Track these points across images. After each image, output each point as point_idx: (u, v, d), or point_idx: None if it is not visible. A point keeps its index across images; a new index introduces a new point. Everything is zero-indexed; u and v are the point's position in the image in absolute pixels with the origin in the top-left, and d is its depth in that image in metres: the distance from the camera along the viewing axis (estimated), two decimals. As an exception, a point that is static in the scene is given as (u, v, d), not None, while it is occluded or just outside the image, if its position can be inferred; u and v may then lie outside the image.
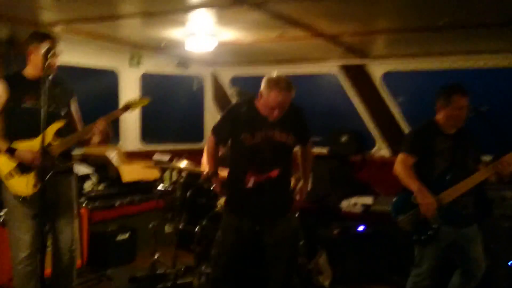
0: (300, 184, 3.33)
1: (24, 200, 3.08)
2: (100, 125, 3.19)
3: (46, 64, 2.83)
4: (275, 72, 3.02)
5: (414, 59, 5.22)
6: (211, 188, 3.45)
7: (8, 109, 3.13)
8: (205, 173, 3.34)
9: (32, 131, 3.02)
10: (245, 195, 3.06)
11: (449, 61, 5.03)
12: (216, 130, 3.26)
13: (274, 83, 2.92)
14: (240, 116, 3.05)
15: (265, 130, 2.99)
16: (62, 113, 3.28)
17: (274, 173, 3.02)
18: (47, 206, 3.17)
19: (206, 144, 3.37)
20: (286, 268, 3.24)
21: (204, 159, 3.43)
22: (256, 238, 3.13)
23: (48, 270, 3.31)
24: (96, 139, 3.24)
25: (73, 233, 3.36)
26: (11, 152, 3.08)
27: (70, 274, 3.38)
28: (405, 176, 3.22)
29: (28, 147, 3.08)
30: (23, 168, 3.10)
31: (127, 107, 3.32)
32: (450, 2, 3.17)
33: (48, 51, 2.88)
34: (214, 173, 3.27)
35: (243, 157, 3.07)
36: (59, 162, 3.17)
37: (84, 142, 3.41)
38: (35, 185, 3.05)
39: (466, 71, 5.01)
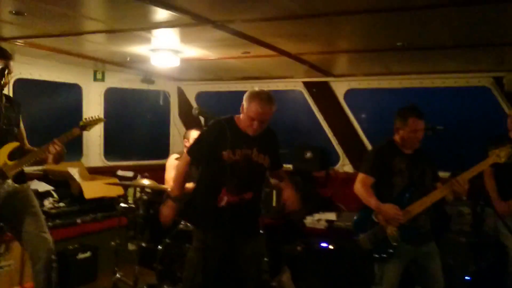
0: (286, 192, 3.36)
1: None
2: (56, 145, 3.17)
3: (2, 82, 2.81)
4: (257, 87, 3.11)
5: (376, 77, 5.37)
6: (160, 207, 3.35)
7: None
8: (169, 192, 3.32)
9: None
10: (217, 214, 3.02)
11: (408, 80, 5.19)
12: (193, 151, 3.18)
13: (256, 94, 2.97)
14: (220, 133, 3.02)
15: (244, 149, 3.00)
16: (16, 131, 3.25)
17: (248, 195, 3.03)
18: (11, 226, 3.25)
19: (178, 163, 3.32)
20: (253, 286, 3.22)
21: (169, 176, 3.39)
22: (228, 256, 3.12)
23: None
24: (50, 159, 3.24)
25: (49, 242, 3.26)
26: None
27: (52, 283, 3.27)
28: (364, 195, 3.32)
29: None
30: None
31: (83, 127, 3.34)
32: (405, 26, 3.28)
33: (2, 70, 2.93)
34: (178, 197, 3.22)
35: (219, 176, 3.01)
36: (13, 184, 3.12)
37: (39, 161, 3.37)
38: None
39: (424, 90, 5.18)
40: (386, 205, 3.24)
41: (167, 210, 3.27)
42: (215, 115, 3.36)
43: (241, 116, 3.04)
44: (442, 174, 3.61)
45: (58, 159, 3.24)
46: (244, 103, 3.01)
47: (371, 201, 3.29)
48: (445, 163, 4.04)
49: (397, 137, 3.42)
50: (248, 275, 3.18)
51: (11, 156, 3.14)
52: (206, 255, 3.04)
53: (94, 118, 3.44)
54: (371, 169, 3.37)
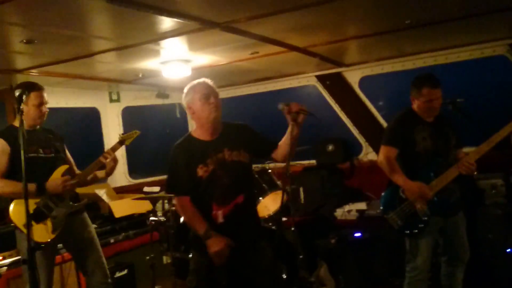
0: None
1: (46, 245, 3.12)
2: (108, 155, 3.36)
3: (41, 113, 3.20)
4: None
5: (388, 61, 5.31)
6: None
7: (13, 163, 3.19)
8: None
9: (39, 179, 3.16)
10: (216, 232, 2.73)
11: (421, 59, 5.12)
12: (175, 184, 2.85)
13: (194, 83, 2.87)
14: (186, 154, 2.80)
15: (214, 154, 2.78)
16: (64, 157, 3.44)
17: (240, 199, 2.79)
18: (71, 249, 3.45)
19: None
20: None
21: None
22: (231, 273, 2.86)
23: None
24: (103, 174, 3.44)
25: (105, 267, 3.43)
26: (42, 188, 3.15)
27: None
28: (390, 170, 3.26)
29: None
30: (38, 216, 3.14)
31: (122, 142, 3.47)
32: (411, 1, 3.24)
33: (39, 101, 3.18)
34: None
35: (203, 194, 2.77)
36: (71, 203, 3.30)
37: (86, 183, 3.52)
38: (53, 231, 3.16)
39: (439, 67, 5.09)
40: (412, 183, 3.19)
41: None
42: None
43: (195, 119, 2.86)
44: (467, 149, 3.53)
45: (111, 170, 3.41)
46: (190, 99, 2.83)
47: (398, 178, 3.23)
48: (467, 137, 3.95)
49: (415, 106, 3.36)
50: (264, 282, 2.89)
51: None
52: (207, 276, 2.81)
53: (131, 132, 3.58)
54: (393, 139, 3.30)
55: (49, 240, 3.15)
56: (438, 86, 3.26)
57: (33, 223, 3.10)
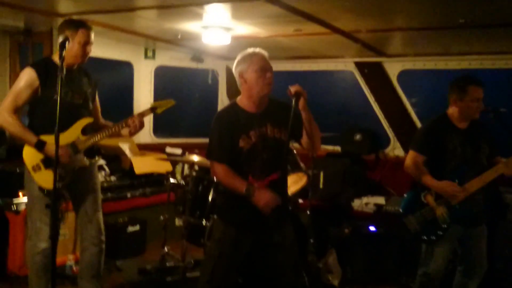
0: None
1: (49, 193, 3.04)
2: (136, 120, 3.16)
3: (84, 53, 2.99)
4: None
5: (432, 57, 5.16)
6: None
7: (38, 100, 3.07)
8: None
9: (60, 125, 2.92)
10: (247, 206, 2.70)
11: (467, 61, 4.95)
12: (217, 151, 2.79)
13: (251, 52, 2.77)
14: (231, 122, 2.76)
15: (257, 127, 2.76)
16: (91, 107, 3.30)
17: (275, 176, 2.78)
18: (73, 196, 3.29)
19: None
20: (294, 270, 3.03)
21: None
22: (256, 249, 2.86)
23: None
24: (126, 132, 3.23)
25: (100, 222, 3.36)
26: (40, 146, 3.01)
27: (98, 264, 3.36)
28: (418, 173, 3.19)
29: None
30: (48, 162, 3.05)
31: (154, 109, 3.27)
32: (470, 1, 3.10)
33: (86, 39, 2.99)
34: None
35: (241, 165, 2.75)
36: (84, 158, 3.19)
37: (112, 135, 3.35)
38: (59, 181, 2.97)
39: (484, 72, 4.92)
40: (442, 182, 3.12)
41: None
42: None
43: (244, 93, 2.79)
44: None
45: (135, 132, 3.21)
46: (243, 69, 2.73)
47: (426, 179, 3.16)
48: (506, 148, 3.82)
49: (451, 111, 3.24)
50: (289, 262, 2.90)
51: (84, 131, 3.17)
52: (230, 248, 2.81)
53: (165, 100, 3.33)
54: (424, 147, 3.22)
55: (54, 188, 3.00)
56: (482, 86, 3.15)
57: (42, 167, 3.06)
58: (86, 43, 3.09)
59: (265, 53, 2.79)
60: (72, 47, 3.04)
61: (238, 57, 2.80)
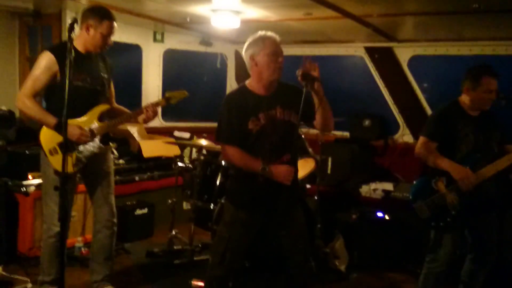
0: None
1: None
2: (151, 110, 3.21)
3: (105, 44, 3.05)
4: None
5: (444, 43, 5.08)
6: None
7: (56, 85, 3.06)
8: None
9: (77, 110, 3.03)
10: (257, 189, 2.77)
11: (479, 47, 4.87)
12: (226, 134, 2.78)
13: (263, 35, 2.74)
14: (240, 104, 2.75)
15: (267, 110, 2.75)
16: (107, 93, 3.32)
17: (285, 158, 2.76)
18: (87, 180, 3.37)
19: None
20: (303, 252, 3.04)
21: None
22: (266, 232, 2.93)
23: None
24: (140, 119, 3.27)
25: (113, 205, 3.40)
26: (60, 127, 2.94)
27: (110, 246, 3.41)
28: (431, 158, 3.14)
29: (76, 124, 3.10)
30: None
31: (168, 99, 3.30)
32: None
33: (109, 32, 3.04)
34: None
35: (251, 147, 2.75)
36: (101, 144, 3.21)
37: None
38: (75, 165, 3.09)
39: (497, 58, 4.84)
40: (459, 165, 3.07)
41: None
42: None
43: (254, 76, 2.78)
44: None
45: (148, 120, 3.26)
46: (256, 51, 2.71)
47: (442, 162, 3.09)
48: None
49: (464, 98, 3.20)
50: (300, 245, 2.91)
51: (101, 117, 3.21)
52: (240, 231, 2.83)
53: (179, 91, 3.36)
54: (435, 133, 3.18)
55: (69, 172, 3.00)
56: (497, 77, 3.10)
57: (59, 150, 3.07)
58: (109, 34, 3.11)
59: (277, 37, 2.76)
60: (94, 36, 3.08)
61: (250, 39, 2.78)
